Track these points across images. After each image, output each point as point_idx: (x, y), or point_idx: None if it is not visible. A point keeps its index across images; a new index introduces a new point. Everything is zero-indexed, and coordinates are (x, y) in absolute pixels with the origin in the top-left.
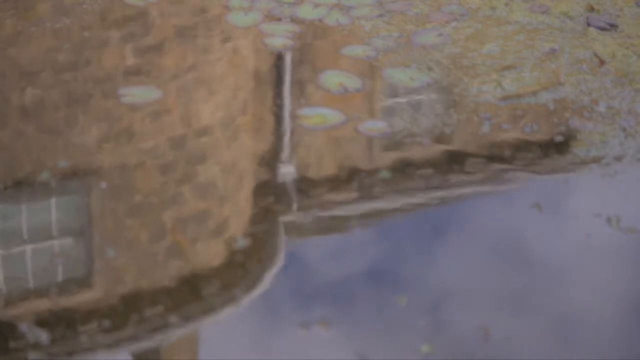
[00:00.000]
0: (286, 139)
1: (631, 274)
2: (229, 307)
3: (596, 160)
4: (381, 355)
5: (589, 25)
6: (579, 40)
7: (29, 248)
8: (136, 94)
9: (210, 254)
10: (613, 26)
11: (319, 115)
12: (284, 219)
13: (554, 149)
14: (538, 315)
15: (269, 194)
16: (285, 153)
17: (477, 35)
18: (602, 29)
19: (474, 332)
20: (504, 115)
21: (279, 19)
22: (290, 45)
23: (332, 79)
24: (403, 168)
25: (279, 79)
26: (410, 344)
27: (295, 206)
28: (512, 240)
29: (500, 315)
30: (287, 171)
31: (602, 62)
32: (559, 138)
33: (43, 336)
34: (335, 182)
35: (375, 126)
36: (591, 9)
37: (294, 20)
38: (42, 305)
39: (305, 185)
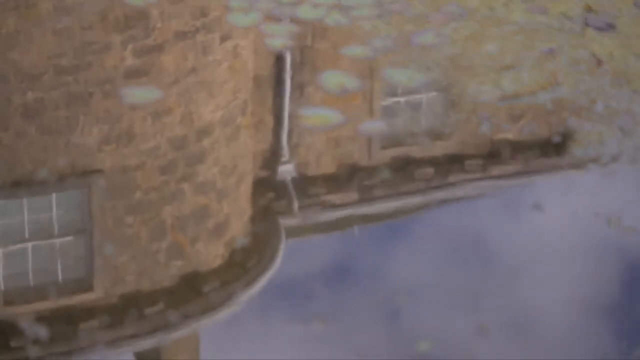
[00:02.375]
0: (286, 138)
1: (621, 271)
2: (228, 305)
3: (594, 160)
4: (380, 356)
5: (587, 25)
6: (577, 41)
7: (29, 245)
8: (137, 94)
9: (210, 252)
10: (611, 27)
11: (318, 116)
12: (284, 218)
13: (552, 148)
14: (536, 312)
15: (269, 194)
16: (285, 153)
17: (475, 36)
18: (601, 29)
19: (473, 330)
20: (502, 115)
21: (279, 20)
22: (290, 46)
23: (332, 79)
24: (402, 168)
25: (279, 79)
26: (409, 343)
27: (295, 205)
28: (511, 240)
29: (497, 313)
30: (287, 171)
31: (600, 63)
32: (557, 138)
33: (43, 334)
34: (335, 182)
35: (375, 126)
36: (589, 9)
37: (294, 20)
38: (43, 303)
39: (304, 184)
